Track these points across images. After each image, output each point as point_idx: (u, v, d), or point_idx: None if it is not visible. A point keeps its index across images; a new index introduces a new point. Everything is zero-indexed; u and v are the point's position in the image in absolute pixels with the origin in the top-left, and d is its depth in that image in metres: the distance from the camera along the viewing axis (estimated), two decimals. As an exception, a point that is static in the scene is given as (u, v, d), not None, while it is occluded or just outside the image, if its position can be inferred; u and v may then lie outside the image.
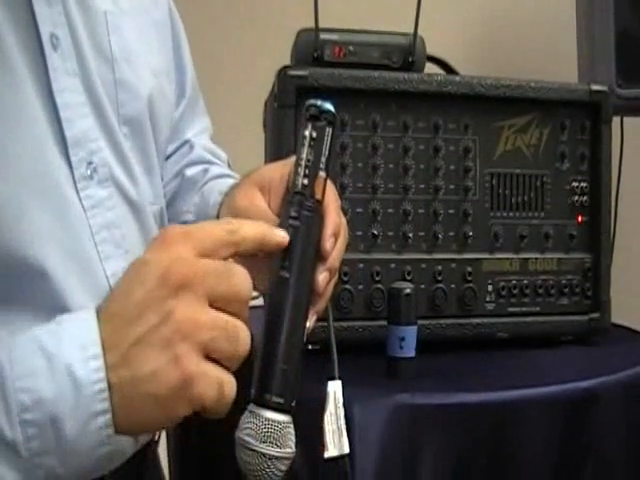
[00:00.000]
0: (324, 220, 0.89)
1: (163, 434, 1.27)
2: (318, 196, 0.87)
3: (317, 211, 0.87)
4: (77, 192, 0.93)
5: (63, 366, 0.74)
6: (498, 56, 2.59)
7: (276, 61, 1.37)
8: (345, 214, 1.32)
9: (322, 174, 0.87)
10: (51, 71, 0.92)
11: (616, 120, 1.78)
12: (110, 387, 0.74)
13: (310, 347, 1.26)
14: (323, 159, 0.87)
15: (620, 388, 1.25)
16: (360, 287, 1.34)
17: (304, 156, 0.87)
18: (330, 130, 0.88)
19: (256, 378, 0.82)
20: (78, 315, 0.77)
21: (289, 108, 1.31)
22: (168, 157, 1.25)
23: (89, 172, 0.94)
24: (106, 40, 1.01)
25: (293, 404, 0.82)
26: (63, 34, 0.94)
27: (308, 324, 0.86)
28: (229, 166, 1.33)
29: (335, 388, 0.95)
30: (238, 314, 0.77)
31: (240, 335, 0.77)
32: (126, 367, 0.74)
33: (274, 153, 1.35)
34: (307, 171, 0.87)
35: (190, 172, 1.26)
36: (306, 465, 1.10)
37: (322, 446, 0.94)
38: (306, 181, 0.86)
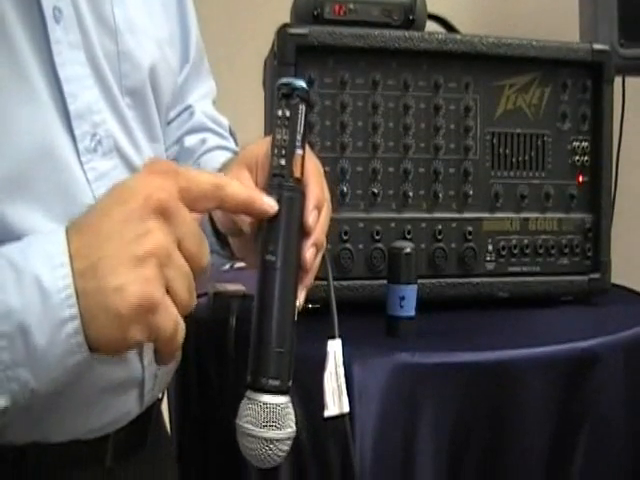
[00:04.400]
0: (305, 195, 0.89)
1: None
2: (297, 174, 0.87)
3: (298, 189, 0.87)
4: (81, 165, 0.94)
5: (31, 277, 0.74)
6: (500, 14, 2.57)
7: (276, 19, 1.36)
8: (345, 173, 1.33)
9: (299, 152, 0.88)
10: (54, 44, 0.91)
11: (618, 80, 1.77)
12: (77, 295, 0.74)
13: (310, 306, 1.26)
14: (298, 137, 0.88)
15: (619, 348, 1.25)
16: (360, 246, 1.34)
17: (279, 137, 0.87)
18: (303, 107, 0.88)
19: (251, 363, 0.83)
20: (46, 232, 0.78)
21: (289, 66, 1.31)
22: (170, 122, 1.25)
23: (93, 145, 0.95)
24: (109, 11, 1.01)
25: (290, 384, 0.83)
26: (65, 5, 0.93)
27: (298, 302, 0.87)
28: (231, 132, 1.33)
29: (335, 347, 0.95)
30: (194, 275, 0.78)
31: (194, 295, 0.78)
32: (94, 277, 0.74)
33: (274, 112, 1.35)
34: (283, 151, 0.87)
35: (189, 141, 1.25)
36: (306, 424, 1.10)
37: (322, 405, 0.94)
38: (283, 161, 0.87)
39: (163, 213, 0.76)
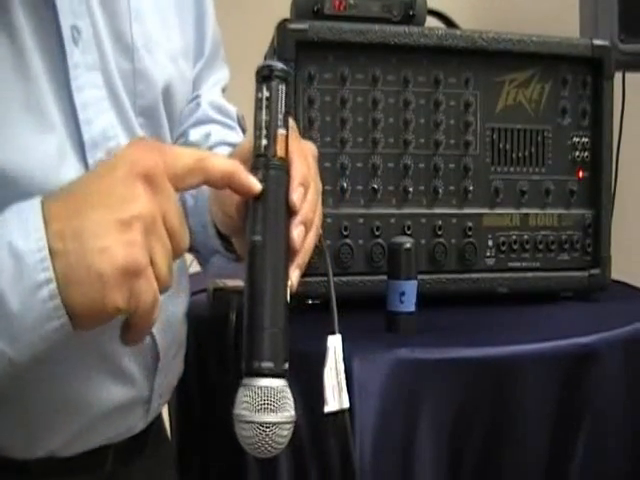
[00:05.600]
0: (290, 174, 0.88)
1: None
2: (281, 153, 0.86)
3: (282, 168, 0.86)
4: None
5: (4, 242, 0.73)
6: (499, 10, 2.57)
7: (276, 14, 1.35)
8: (345, 169, 1.33)
9: (282, 131, 0.87)
10: (71, 68, 0.89)
11: (618, 76, 1.77)
12: (53, 255, 0.73)
13: (310, 302, 1.26)
14: (280, 116, 0.87)
15: (619, 344, 1.25)
16: (360, 242, 1.34)
17: (261, 118, 0.87)
18: (283, 87, 0.88)
19: (244, 348, 0.81)
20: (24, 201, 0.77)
21: (289, 62, 1.30)
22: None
23: None
24: (127, 28, 0.99)
25: (285, 367, 0.81)
26: (84, 25, 0.91)
27: (290, 282, 0.85)
28: (239, 121, 1.31)
29: (335, 343, 0.95)
30: (174, 255, 0.78)
31: (172, 274, 0.77)
32: (76, 238, 0.73)
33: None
34: (265, 132, 0.86)
35: (193, 135, 1.24)
36: (306, 420, 1.10)
37: (322, 401, 0.94)
38: (266, 141, 0.86)
39: (149, 181, 0.75)
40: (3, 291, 0.73)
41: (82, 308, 0.74)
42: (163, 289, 0.77)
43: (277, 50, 1.31)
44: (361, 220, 1.34)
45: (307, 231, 0.89)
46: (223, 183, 0.83)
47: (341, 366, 0.95)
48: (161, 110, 1.05)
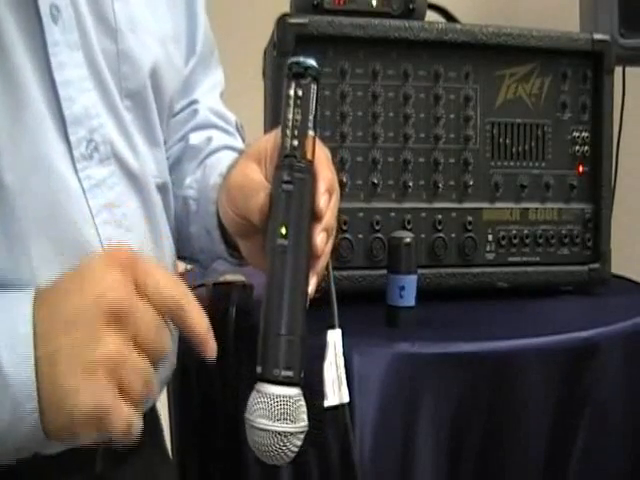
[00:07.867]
0: (316, 178, 0.86)
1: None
2: (309, 156, 0.85)
3: (309, 171, 0.85)
4: (76, 173, 0.90)
5: None
6: (499, 4, 2.56)
7: (275, 9, 1.35)
8: (345, 163, 1.33)
9: (311, 133, 0.85)
10: (50, 46, 0.88)
11: (618, 70, 1.77)
12: (38, 380, 0.72)
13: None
14: (311, 117, 0.86)
15: (619, 338, 1.25)
16: (360, 236, 1.34)
17: (291, 116, 0.85)
18: (315, 87, 0.86)
19: (261, 353, 0.79)
20: (14, 300, 0.75)
21: (289, 56, 1.30)
22: (174, 115, 1.22)
23: (89, 151, 0.91)
24: (110, 8, 0.97)
25: (302, 375, 0.80)
26: (64, 4, 0.90)
27: (309, 289, 0.84)
28: (238, 129, 1.31)
29: (335, 337, 0.95)
30: (153, 363, 0.75)
31: (153, 382, 0.75)
32: (50, 369, 0.72)
33: (274, 102, 1.34)
34: (295, 132, 0.85)
35: (194, 140, 1.22)
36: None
37: (322, 395, 0.94)
38: (295, 142, 0.84)
39: (115, 315, 0.72)
40: None
41: (57, 435, 0.74)
42: (141, 401, 0.75)
43: (277, 44, 1.31)
44: (361, 214, 1.34)
45: (328, 238, 0.88)
46: (186, 335, 0.79)
47: (341, 360, 0.95)
48: (149, 93, 1.04)
